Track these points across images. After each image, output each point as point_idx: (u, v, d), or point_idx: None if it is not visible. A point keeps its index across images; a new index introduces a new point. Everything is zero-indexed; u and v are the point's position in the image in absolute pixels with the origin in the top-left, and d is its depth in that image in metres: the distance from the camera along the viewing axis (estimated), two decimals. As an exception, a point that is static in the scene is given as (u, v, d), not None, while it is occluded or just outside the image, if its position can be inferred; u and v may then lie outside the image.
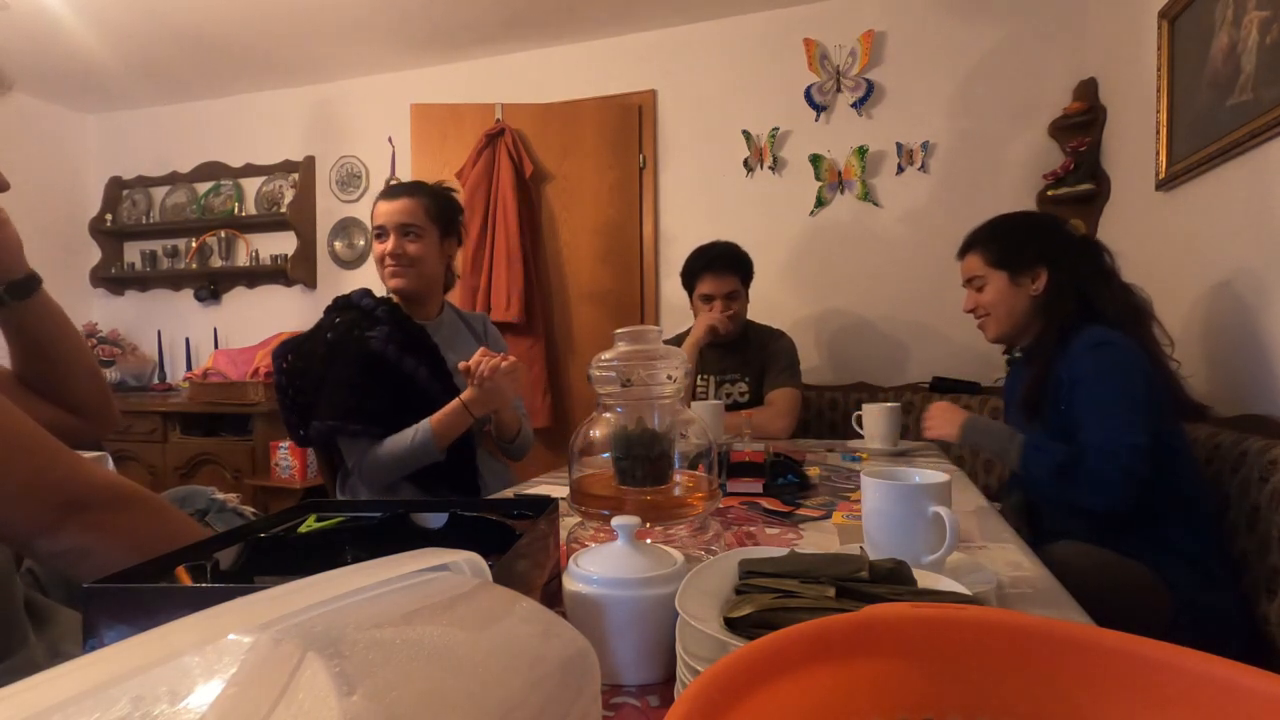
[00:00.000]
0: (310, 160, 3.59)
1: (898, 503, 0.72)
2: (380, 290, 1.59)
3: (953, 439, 1.39)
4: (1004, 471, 2.35)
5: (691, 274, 2.11)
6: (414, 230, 1.50)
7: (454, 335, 1.62)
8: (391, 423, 1.39)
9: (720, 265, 2.07)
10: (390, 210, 1.50)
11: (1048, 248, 1.39)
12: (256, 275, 3.73)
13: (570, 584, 0.58)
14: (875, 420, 1.68)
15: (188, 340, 3.81)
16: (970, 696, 0.32)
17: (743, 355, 2.11)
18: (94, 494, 0.63)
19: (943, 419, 1.42)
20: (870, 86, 2.77)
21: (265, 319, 3.69)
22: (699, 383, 2.10)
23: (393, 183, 1.62)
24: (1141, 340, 1.28)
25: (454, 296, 2.93)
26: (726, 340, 2.10)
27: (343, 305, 1.52)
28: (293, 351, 1.46)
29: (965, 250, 1.50)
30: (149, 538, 0.64)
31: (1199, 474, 1.30)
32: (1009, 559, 0.84)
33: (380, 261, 1.51)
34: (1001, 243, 1.44)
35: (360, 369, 1.39)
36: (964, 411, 1.42)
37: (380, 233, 1.51)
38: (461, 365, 1.37)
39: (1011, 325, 1.43)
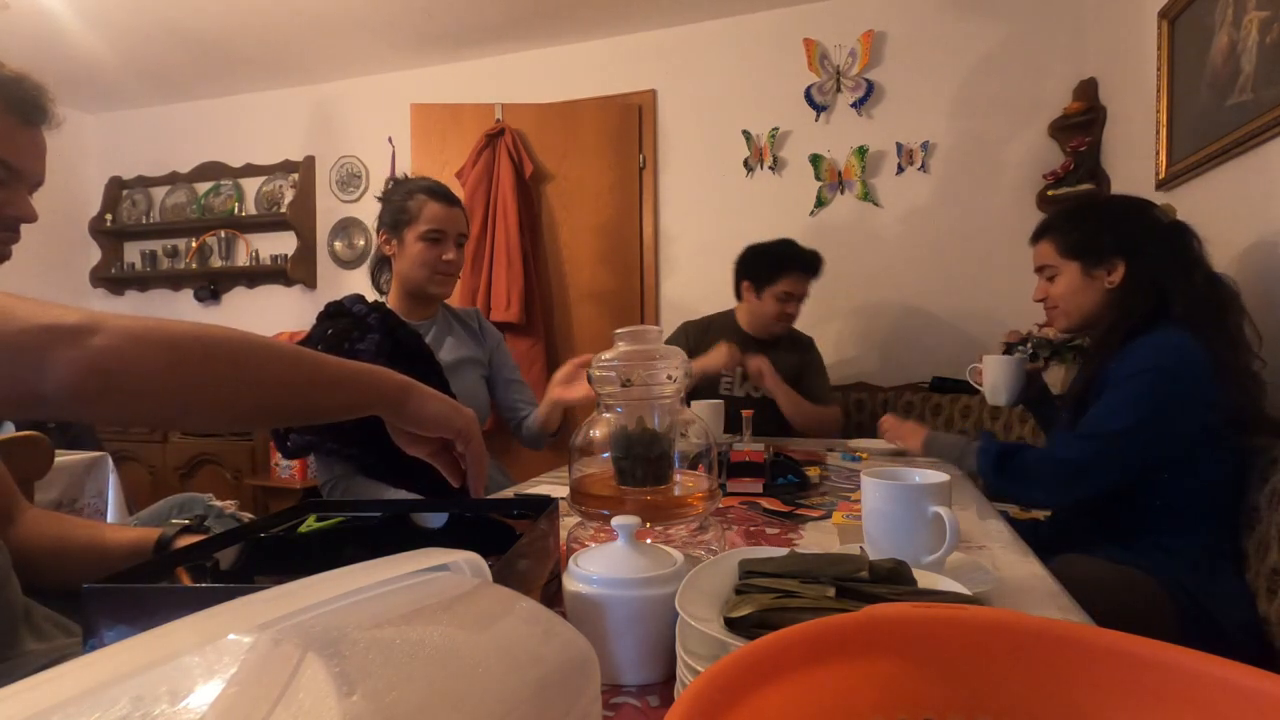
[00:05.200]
0: (310, 160, 3.59)
1: (898, 503, 0.72)
2: (371, 293, 1.59)
3: (916, 450, 1.47)
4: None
5: (775, 267, 2.05)
6: (465, 239, 1.56)
7: (447, 333, 1.62)
8: (371, 443, 1.38)
9: (811, 269, 2.07)
10: (450, 217, 1.51)
11: (1128, 236, 1.27)
12: (256, 275, 3.73)
13: (570, 584, 0.58)
14: (997, 371, 1.49)
15: (188, 340, 3.81)
16: (970, 696, 0.32)
17: (775, 353, 2.10)
18: None
19: (907, 431, 1.51)
20: (870, 86, 2.77)
21: (265, 319, 3.68)
22: (726, 374, 2.10)
23: (428, 182, 1.59)
24: (1211, 339, 1.17)
25: (455, 296, 2.93)
26: (766, 338, 2.13)
27: (335, 312, 1.47)
28: None
29: (1038, 236, 1.38)
30: None
31: (1224, 480, 1.22)
32: (1009, 559, 0.84)
33: (427, 264, 1.49)
34: (1078, 230, 1.32)
35: None
36: (924, 428, 1.50)
37: (437, 236, 1.49)
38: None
39: (1081, 319, 1.33)
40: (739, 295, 2.16)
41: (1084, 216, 1.34)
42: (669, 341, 2.16)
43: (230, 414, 0.63)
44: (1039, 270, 1.39)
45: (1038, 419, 1.61)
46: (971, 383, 1.58)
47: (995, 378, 1.50)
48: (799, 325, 2.23)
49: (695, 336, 2.17)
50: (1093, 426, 1.19)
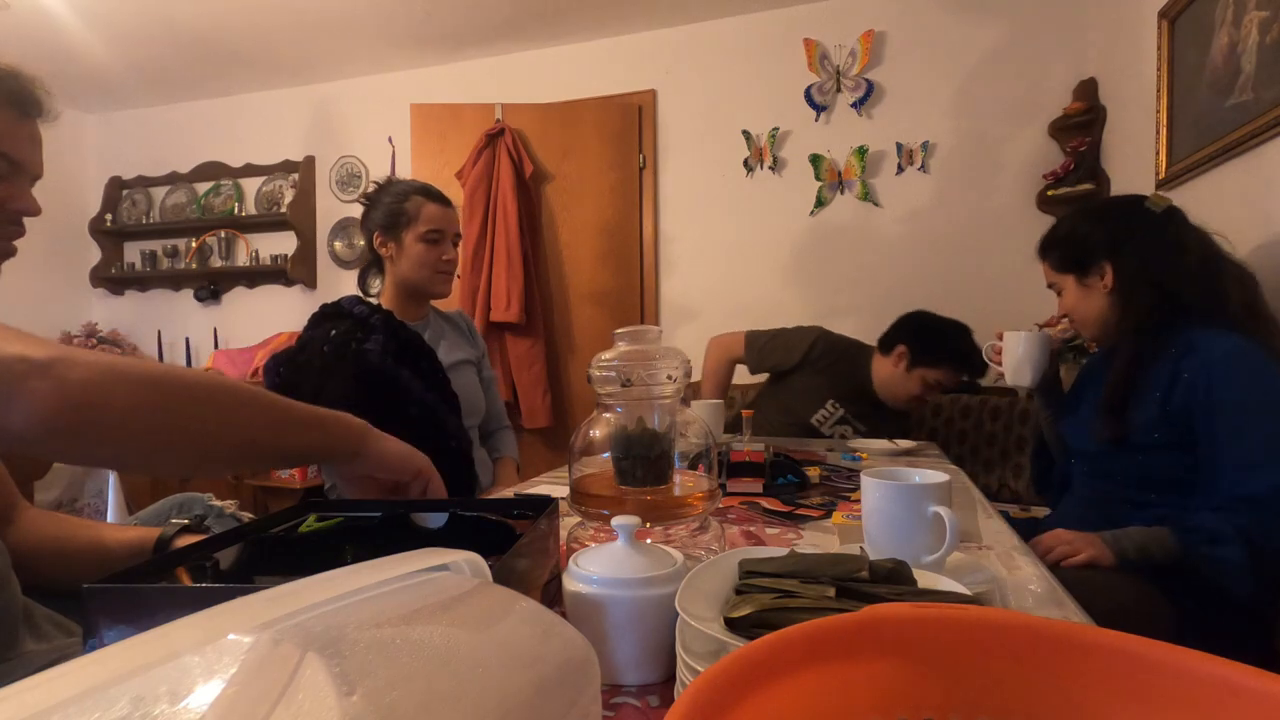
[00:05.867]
0: (310, 160, 3.59)
1: (898, 503, 0.72)
2: (367, 295, 1.59)
3: (1104, 563, 1.11)
4: (1004, 472, 2.35)
5: (944, 357, 1.89)
6: (460, 238, 1.58)
7: (440, 336, 1.63)
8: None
9: (977, 374, 1.94)
10: (448, 217, 1.53)
11: (1109, 237, 1.26)
12: (256, 275, 3.73)
13: (570, 584, 0.58)
14: (1021, 348, 1.39)
15: (188, 340, 3.81)
16: (970, 696, 0.32)
17: (876, 409, 2.06)
18: None
19: (1074, 543, 1.12)
20: (870, 86, 2.78)
21: (265, 319, 3.69)
22: (830, 406, 2.03)
23: (418, 183, 1.60)
24: (1237, 326, 1.14)
25: (455, 296, 2.92)
26: (882, 400, 2.03)
27: (333, 314, 1.45)
28: (285, 364, 1.41)
29: (1040, 258, 1.39)
30: None
31: None
32: (1009, 559, 0.84)
33: (429, 264, 1.51)
34: (1062, 244, 1.33)
35: (356, 385, 1.36)
36: (1094, 537, 1.13)
37: (437, 237, 1.51)
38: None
39: (1100, 327, 1.31)
40: (885, 351, 1.97)
41: (1068, 229, 1.35)
42: (799, 333, 2.08)
43: (206, 455, 0.62)
44: (1050, 288, 1.39)
45: (1047, 406, 1.50)
46: (989, 363, 1.50)
47: (1019, 355, 1.39)
48: (780, 322, 2.18)
49: (824, 351, 2.04)
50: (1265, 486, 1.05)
